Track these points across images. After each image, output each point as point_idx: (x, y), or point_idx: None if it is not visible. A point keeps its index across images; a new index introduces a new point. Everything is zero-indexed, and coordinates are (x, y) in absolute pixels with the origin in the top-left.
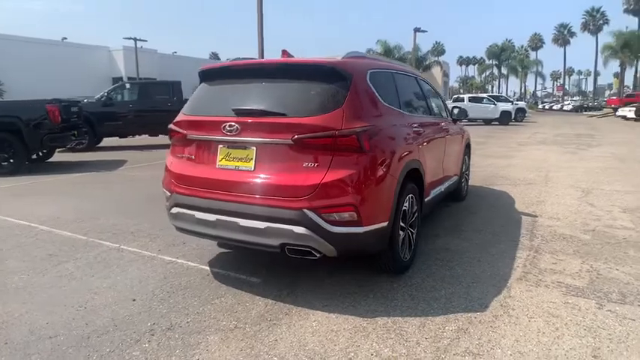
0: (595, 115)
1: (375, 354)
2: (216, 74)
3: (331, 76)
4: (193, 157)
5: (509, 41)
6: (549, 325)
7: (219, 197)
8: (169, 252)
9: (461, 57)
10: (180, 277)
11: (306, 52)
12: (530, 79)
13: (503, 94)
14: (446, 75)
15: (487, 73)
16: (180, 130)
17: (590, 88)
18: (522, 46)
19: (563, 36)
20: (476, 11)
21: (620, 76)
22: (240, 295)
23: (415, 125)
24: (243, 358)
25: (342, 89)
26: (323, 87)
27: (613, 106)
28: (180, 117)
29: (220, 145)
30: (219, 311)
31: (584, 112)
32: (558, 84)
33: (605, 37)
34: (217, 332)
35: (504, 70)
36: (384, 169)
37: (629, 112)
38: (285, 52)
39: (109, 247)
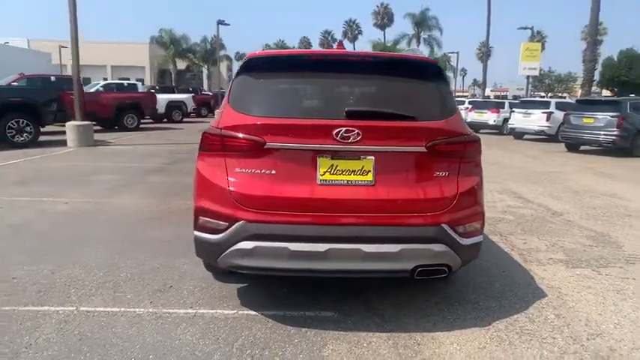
0: None
1: (541, 358)
2: (285, 64)
3: (438, 75)
4: (274, 171)
5: (282, 42)
6: (597, 297)
7: (330, 221)
8: (169, 303)
9: (238, 53)
10: (237, 334)
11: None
12: None
13: None
14: (230, 70)
15: None
16: (251, 137)
17: None
18: (294, 47)
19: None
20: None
21: None
22: (343, 337)
23: None
24: None
25: (449, 90)
26: (436, 87)
27: None
28: (240, 119)
29: (320, 156)
30: None
31: None
32: None
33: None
34: None
35: None
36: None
37: None
38: (340, 44)
39: (61, 313)
